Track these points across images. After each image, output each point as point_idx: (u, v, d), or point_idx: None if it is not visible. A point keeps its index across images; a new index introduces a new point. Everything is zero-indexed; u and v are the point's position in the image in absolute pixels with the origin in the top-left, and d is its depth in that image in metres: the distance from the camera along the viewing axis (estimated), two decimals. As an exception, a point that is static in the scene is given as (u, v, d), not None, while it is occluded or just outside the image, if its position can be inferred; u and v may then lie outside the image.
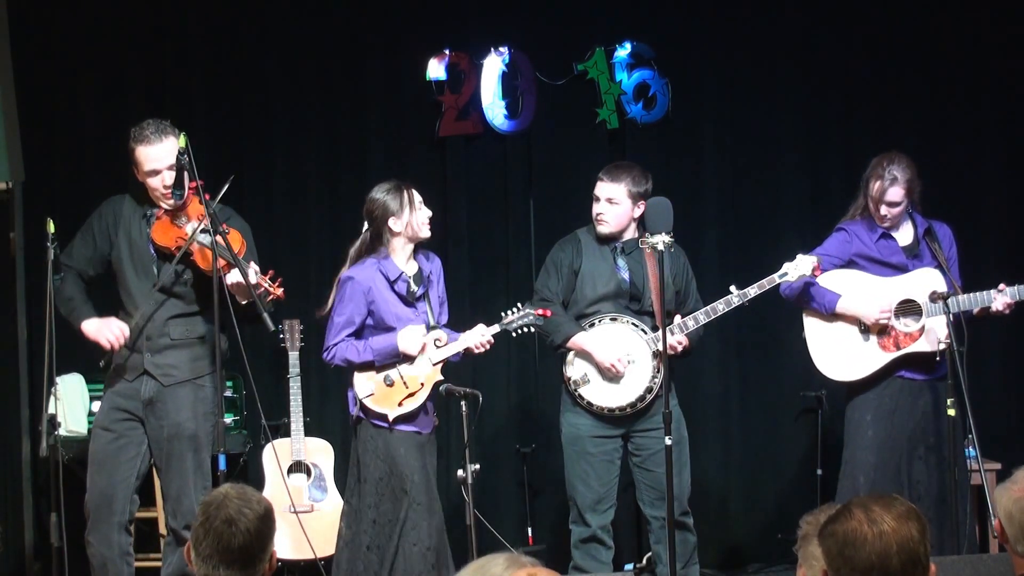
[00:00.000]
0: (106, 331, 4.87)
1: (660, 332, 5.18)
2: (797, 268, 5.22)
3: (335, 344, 5.14)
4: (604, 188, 5.42)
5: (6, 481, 6.30)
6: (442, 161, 6.75)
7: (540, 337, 5.63)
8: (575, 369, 5.37)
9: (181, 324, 4.97)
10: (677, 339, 5.27)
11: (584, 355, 5.36)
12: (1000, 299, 5.22)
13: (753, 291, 5.26)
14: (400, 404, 5.10)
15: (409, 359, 5.11)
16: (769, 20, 6.87)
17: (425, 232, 5.18)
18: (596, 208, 5.42)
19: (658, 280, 5.21)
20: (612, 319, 5.35)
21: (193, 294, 4.97)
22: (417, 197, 5.18)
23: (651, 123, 6.78)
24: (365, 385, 5.14)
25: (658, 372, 5.23)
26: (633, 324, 5.33)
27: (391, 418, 5.10)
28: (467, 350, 5.18)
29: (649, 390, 5.28)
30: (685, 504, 5.39)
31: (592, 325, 5.36)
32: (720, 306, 5.28)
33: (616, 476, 5.43)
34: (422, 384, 5.13)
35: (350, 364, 5.13)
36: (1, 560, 6.18)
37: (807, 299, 5.44)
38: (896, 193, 5.33)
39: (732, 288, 5.29)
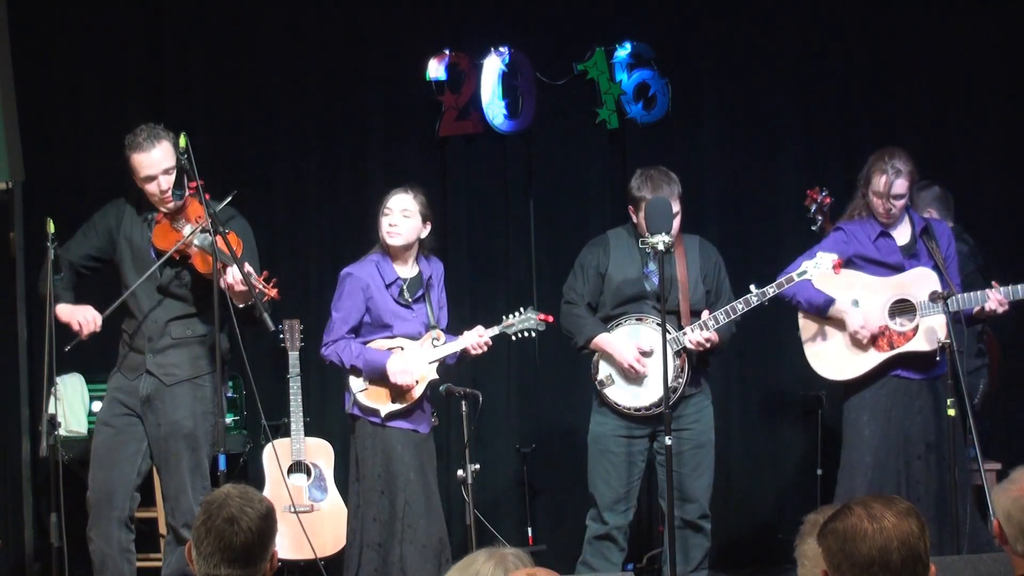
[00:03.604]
0: (78, 314, 4.89)
1: (683, 331, 5.19)
2: (818, 266, 5.18)
3: (334, 341, 5.17)
4: None
5: (6, 481, 6.30)
6: (442, 161, 6.76)
7: (541, 337, 5.62)
8: (600, 370, 5.36)
9: (181, 324, 5.00)
10: (706, 336, 5.21)
11: (608, 356, 5.36)
12: (993, 297, 5.22)
13: (772, 290, 5.23)
14: (393, 400, 5.12)
15: (394, 386, 5.12)
16: (769, 20, 6.88)
17: (388, 239, 5.18)
18: None
19: (688, 279, 5.21)
20: (638, 319, 5.33)
21: (192, 296, 4.99)
22: (389, 202, 5.19)
23: (651, 123, 6.78)
24: (359, 380, 5.17)
25: (681, 372, 5.21)
26: (658, 324, 5.30)
27: (383, 413, 5.12)
28: (464, 351, 5.20)
29: (673, 390, 5.23)
30: (705, 507, 5.37)
31: (618, 325, 5.35)
32: (740, 305, 5.24)
33: (638, 478, 5.39)
34: (416, 382, 5.15)
35: (342, 364, 5.17)
36: (1, 560, 6.18)
37: (802, 300, 5.43)
38: (902, 185, 5.33)
39: (752, 287, 5.27)
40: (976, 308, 5.27)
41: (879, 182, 5.35)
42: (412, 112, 6.75)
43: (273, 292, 4.80)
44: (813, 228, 5.39)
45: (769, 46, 6.88)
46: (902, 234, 5.47)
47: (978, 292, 5.24)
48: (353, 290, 5.18)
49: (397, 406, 5.14)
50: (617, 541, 5.37)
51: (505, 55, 6.68)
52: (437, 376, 5.20)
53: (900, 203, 5.37)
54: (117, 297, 5.02)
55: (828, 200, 5.43)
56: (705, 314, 5.30)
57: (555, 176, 6.83)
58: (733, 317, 5.27)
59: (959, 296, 5.22)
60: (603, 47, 6.73)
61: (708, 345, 5.26)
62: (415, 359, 5.14)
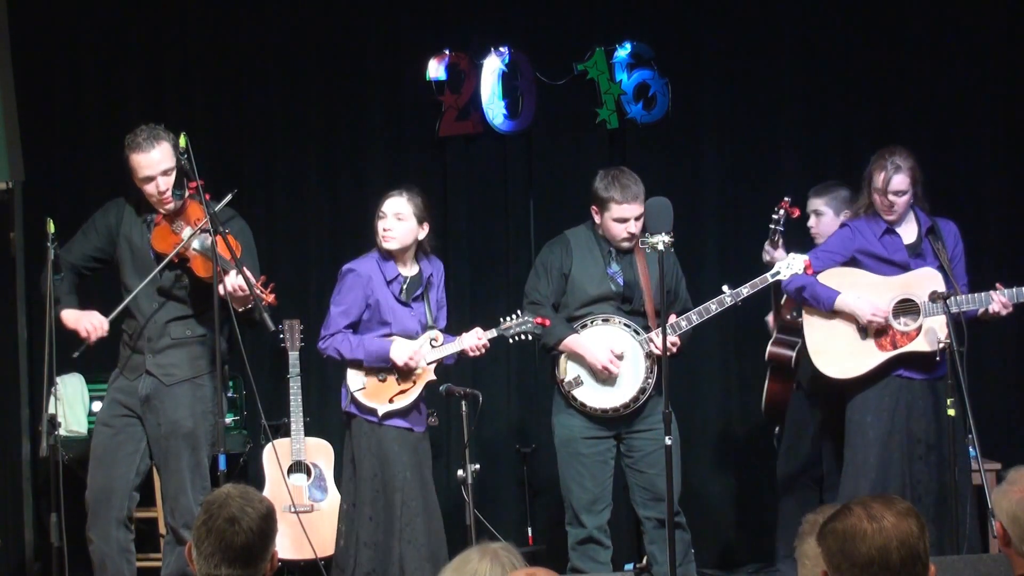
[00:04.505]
0: (84, 321, 4.89)
1: (653, 332, 5.19)
2: (789, 267, 5.23)
3: (331, 335, 5.18)
4: (635, 209, 5.26)
5: (6, 481, 6.30)
6: (442, 161, 6.76)
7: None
8: (568, 371, 5.36)
9: (181, 325, 5.00)
10: (670, 340, 5.24)
11: (576, 357, 5.34)
12: (997, 299, 5.23)
13: (745, 290, 5.25)
14: (391, 400, 5.14)
15: (397, 370, 5.13)
16: (769, 20, 6.88)
17: (382, 244, 5.18)
18: (631, 228, 5.27)
19: (651, 280, 5.22)
20: (604, 320, 5.33)
21: (191, 299, 5.00)
22: (383, 206, 5.19)
23: (651, 123, 6.78)
24: (357, 379, 5.18)
25: (651, 372, 5.23)
26: (625, 324, 5.32)
27: (381, 413, 5.13)
28: (462, 352, 5.20)
29: (643, 391, 5.26)
30: (676, 504, 5.37)
31: (584, 327, 5.35)
32: (713, 306, 5.26)
33: (610, 476, 5.41)
34: (414, 382, 5.17)
35: (341, 357, 5.17)
36: (1, 560, 6.18)
37: (808, 295, 5.44)
38: (901, 181, 5.34)
39: (725, 288, 5.28)
40: (980, 310, 5.27)
41: (879, 178, 5.37)
42: (412, 112, 6.75)
43: (270, 298, 4.80)
44: (775, 239, 5.47)
45: (769, 46, 6.88)
46: (908, 232, 5.47)
47: (982, 294, 5.25)
48: (354, 285, 5.18)
49: (395, 406, 5.14)
50: (601, 542, 5.37)
51: (505, 55, 6.68)
52: (435, 377, 5.21)
53: (901, 199, 5.38)
54: (117, 298, 5.03)
55: (796, 213, 5.51)
56: (673, 317, 5.29)
57: (555, 176, 6.82)
58: (707, 318, 5.28)
59: (963, 297, 5.23)
60: (603, 47, 6.73)
61: (673, 349, 5.22)
62: (412, 348, 5.15)
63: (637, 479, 5.39)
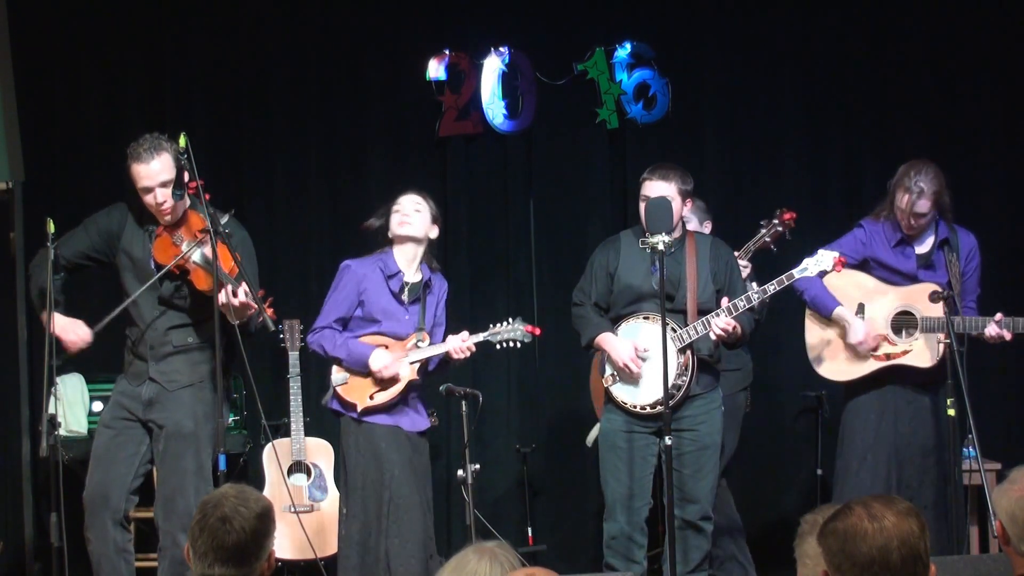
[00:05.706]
0: (70, 332, 4.90)
1: (688, 328, 5.15)
2: (818, 263, 5.15)
3: (321, 329, 5.21)
4: (653, 187, 5.25)
5: (6, 481, 6.31)
6: (442, 161, 6.76)
7: (541, 337, 5.61)
8: (607, 369, 5.33)
9: (182, 333, 5.00)
10: (728, 321, 5.09)
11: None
12: (992, 328, 5.20)
13: (772, 287, 5.20)
14: (371, 397, 5.13)
15: (374, 378, 5.13)
16: (769, 20, 6.88)
17: (398, 230, 5.19)
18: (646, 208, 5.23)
19: (697, 279, 5.19)
20: (645, 318, 5.30)
21: (191, 308, 4.99)
22: (400, 199, 5.21)
23: (651, 123, 6.79)
24: (340, 374, 5.18)
25: (685, 370, 5.18)
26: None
27: (360, 409, 5.13)
28: (447, 355, 5.18)
29: (677, 388, 5.19)
30: (708, 509, 5.30)
31: (624, 324, 5.32)
32: (741, 303, 5.19)
33: (650, 474, 5.30)
34: (396, 380, 5.15)
35: (324, 353, 5.20)
36: (1, 560, 6.18)
37: (808, 297, 5.43)
38: (923, 206, 5.29)
39: (752, 284, 5.26)
40: (975, 332, 5.25)
41: (901, 199, 5.32)
42: (412, 112, 6.76)
43: (269, 312, 4.78)
44: (769, 243, 5.52)
45: (769, 46, 6.88)
46: (922, 243, 5.44)
47: (980, 319, 5.24)
48: (348, 282, 5.20)
49: (375, 402, 5.13)
50: (635, 539, 5.29)
51: (505, 55, 6.68)
52: (417, 378, 5.18)
53: (922, 221, 5.34)
54: (117, 302, 5.02)
55: (792, 225, 5.55)
56: (724, 301, 5.20)
57: (555, 176, 6.83)
58: (735, 314, 5.23)
59: (959, 319, 5.18)
60: (603, 47, 6.74)
61: (730, 330, 5.10)
62: (398, 357, 5.15)
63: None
